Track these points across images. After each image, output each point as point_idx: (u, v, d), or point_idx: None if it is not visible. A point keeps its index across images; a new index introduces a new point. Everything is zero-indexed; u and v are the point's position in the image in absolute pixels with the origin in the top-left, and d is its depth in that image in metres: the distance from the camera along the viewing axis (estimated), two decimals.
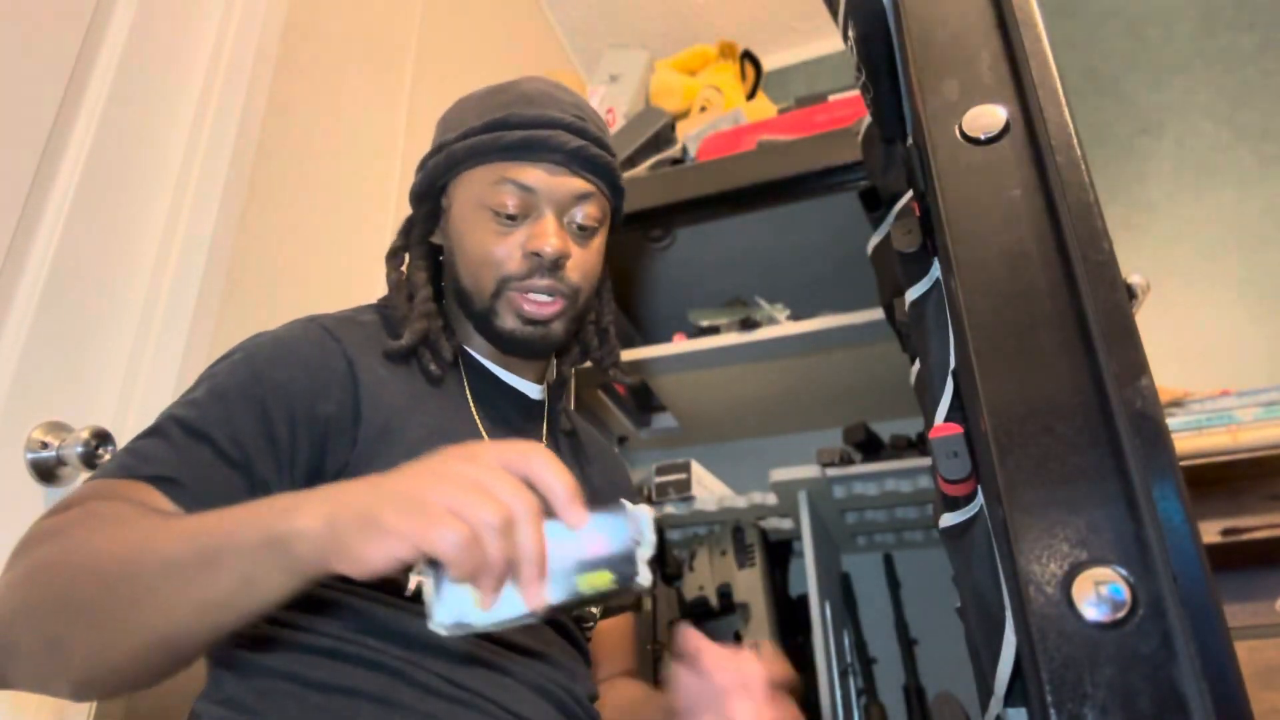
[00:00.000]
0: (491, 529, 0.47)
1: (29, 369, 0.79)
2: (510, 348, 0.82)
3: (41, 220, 0.83)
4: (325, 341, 0.74)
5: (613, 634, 0.95)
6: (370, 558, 0.46)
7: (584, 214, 0.81)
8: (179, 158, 1.00)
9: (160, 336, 0.90)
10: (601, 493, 0.91)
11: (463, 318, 0.85)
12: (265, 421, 0.67)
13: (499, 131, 0.79)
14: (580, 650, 0.81)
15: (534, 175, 0.78)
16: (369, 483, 0.50)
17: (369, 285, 0.96)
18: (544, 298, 0.78)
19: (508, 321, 0.79)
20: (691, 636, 0.72)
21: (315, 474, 0.69)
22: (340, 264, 0.94)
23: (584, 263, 0.81)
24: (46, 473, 0.78)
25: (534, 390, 0.88)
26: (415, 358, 0.80)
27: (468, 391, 0.82)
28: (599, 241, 0.84)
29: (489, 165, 0.79)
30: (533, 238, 0.78)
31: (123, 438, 0.84)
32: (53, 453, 0.78)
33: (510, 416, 0.84)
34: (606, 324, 0.92)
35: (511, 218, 0.78)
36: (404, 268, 0.86)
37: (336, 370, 0.72)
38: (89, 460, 0.79)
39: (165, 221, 0.96)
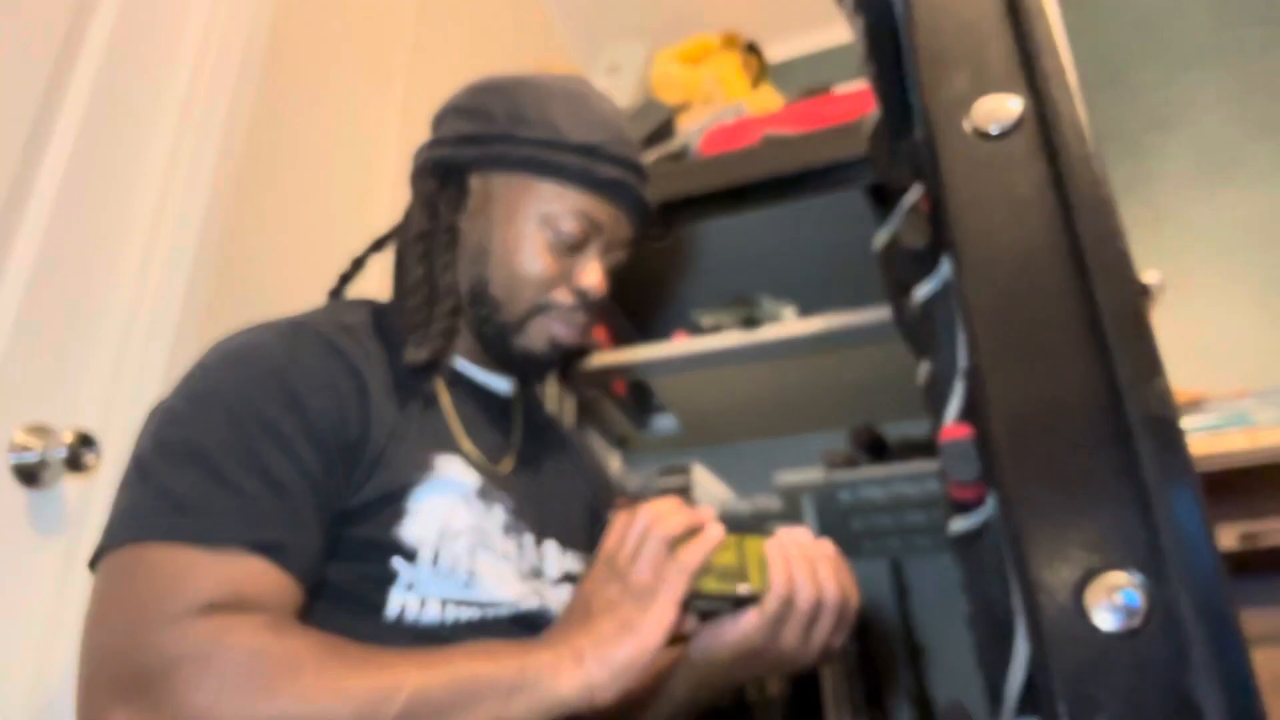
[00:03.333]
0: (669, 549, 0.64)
1: (11, 369, 0.78)
2: (515, 364, 0.82)
3: (24, 217, 0.82)
4: (337, 358, 0.70)
5: None
6: (644, 654, 0.59)
7: (619, 256, 0.84)
8: (165, 154, 0.99)
9: (146, 336, 0.89)
10: (571, 513, 0.90)
11: (469, 310, 0.82)
12: (323, 456, 0.64)
13: (595, 161, 0.78)
14: None
15: (607, 215, 0.80)
16: (587, 618, 0.63)
17: (359, 284, 0.94)
18: (576, 330, 0.81)
19: (535, 343, 0.80)
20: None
21: (339, 503, 0.67)
22: (330, 263, 0.93)
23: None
24: (29, 475, 0.77)
25: (505, 386, 0.87)
26: (386, 343, 0.77)
27: (442, 393, 0.79)
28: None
29: (568, 188, 0.78)
30: (585, 274, 0.79)
31: (108, 440, 0.83)
32: (36, 455, 0.77)
33: (483, 415, 0.83)
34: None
35: (572, 247, 0.79)
36: (425, 257, 0.80)
37: (350, 390, 0.69)
38: (73, 463, 0.78)
39: (151, 219, 0.95)
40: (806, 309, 1.67)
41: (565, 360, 0.85)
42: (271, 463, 0.61)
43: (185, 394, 0.66)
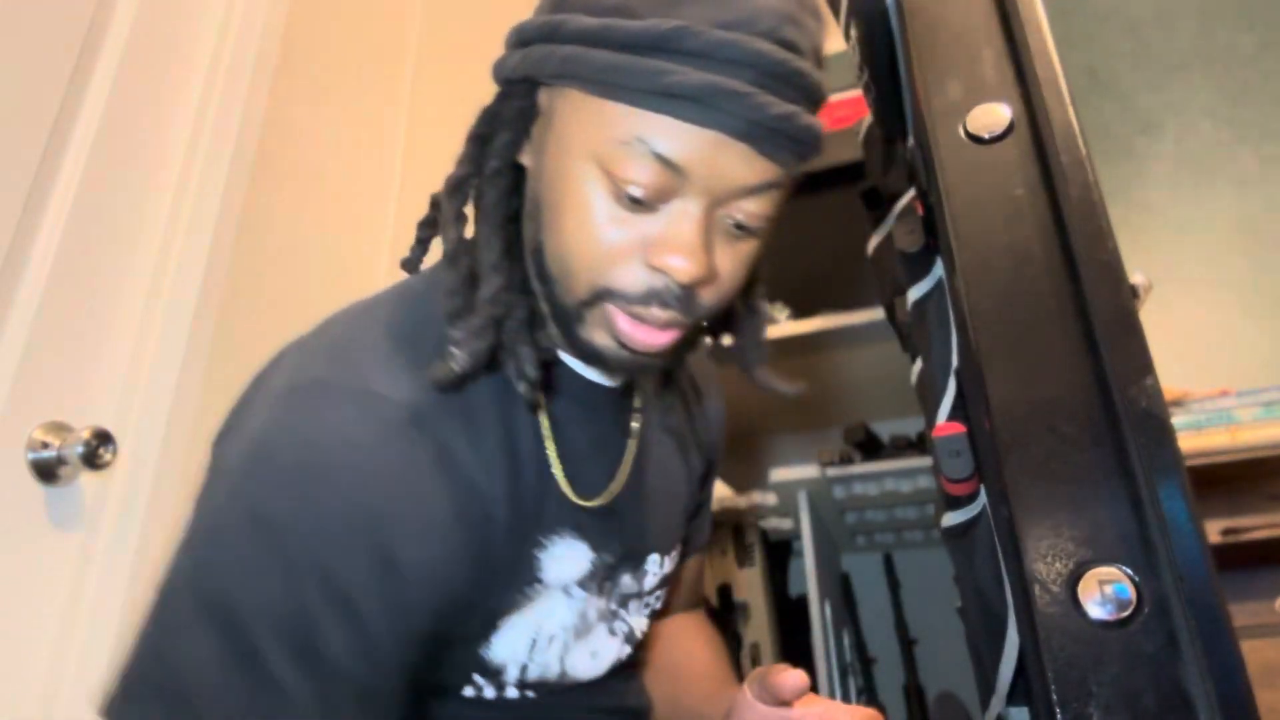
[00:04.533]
0: None
1: (30, 368, 0.79)
2: (595, 363, 0.57)
3: (43, 220, 0.83)
4: (442, 464, 0.50)
5: (684, 573, 0.82)
6: None
7: (749, 211, 0.52)
8: (180, 157, 1.00)
9: (162, 336, 0.90)
10: (676, 510, 0.74)
11: (536, 285, 0.56)
12: (400, 623, 0.47)
13: (661, 58, 0.46)
14: (634, 665, 0.72)
15: (692, 146, 0.48)
16: None
17: (370, 286, 0.95)
18: (655, 327, 0.52)
19: (596, 338, 0.54)
20: (793, 678, 0.59)
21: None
22: (341, 264, 0.94)
23: (727, 279, 0.53)
24: (47, 472, 0.78)
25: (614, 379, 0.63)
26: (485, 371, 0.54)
27: (540, 412, 0.58)
28: (757, 242, 0.55)
29: (634, 107, 0.48)
30: (664, 243, 0.49)
31: (124, 437, 0.83)
32: (53, 452, 0.78)
33: (591, 425, 0.62)
34: (757, 302, 0.63)
35: (639, 202, 0.49)
36: (463, 226, 0.56)
37: (459, 515, 0.51)
38: (90, 460, 0.79)
39: (167, 221, 0.96)
40: (801, 310, 1.68)
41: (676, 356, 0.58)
42: (329, 644, 0.44)
43: (244, 515, 0.47)
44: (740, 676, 1.60)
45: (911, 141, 0.75)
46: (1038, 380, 0.49)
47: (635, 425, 0.67)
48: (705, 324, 0.61)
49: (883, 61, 0.75)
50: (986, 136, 0.57)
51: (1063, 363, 0.49)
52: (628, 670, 0.69)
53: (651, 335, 0.52)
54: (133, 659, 0.46)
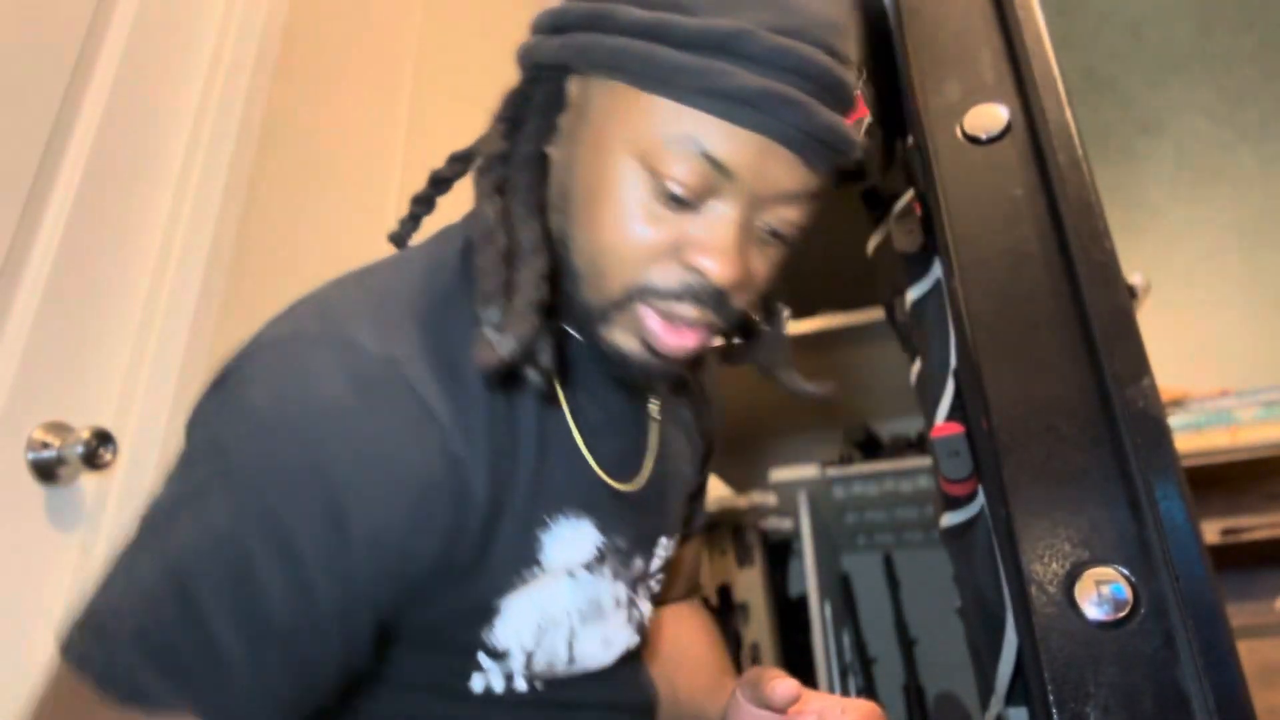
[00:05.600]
0: None
1: (30, 368, 0.79)
2: (617, 369, 0.55)
3: (43, 219, 0.83)
4: (423, 429, 0.48)
5: (680, 559, 0.80)
6: None
7: (786, 219, 0.52)
8: (180, 157, 1.00)
9: (162, 336, 0.90)
10: (683, 492, 0.73)
11: (560, 277, 0.54)
12: (348, 594, 0.46)
13: (721, 60, 0.47)
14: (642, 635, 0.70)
15: (741, 150, 0.48)
16: None
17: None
18: (685, 327, 0.51)
19: (621, 340, 0.52)
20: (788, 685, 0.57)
21: (383, 614, 0.50)
22: (341, 264, 0.94)
23: (757, 281, 0.53)
24: (47, 472, 0.78)
25: None
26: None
27: (561, 393, 0.57)
28: (786, 251, 0.55)
29: (684, 105, 0.48)
30: (703, 245, 0.49)
31: (124, 437, 0.83)
32: (54, 452, 0.78)
33: (613, 406, 0.61)
34: (777, 305, 0.64)
35: (679, 201, 0.49)
36: (501, 202, 0.53)
37: (440, 487, 0.48)
38: (90, 460, 0.79)
39: (167, 221, 0.96)
40: (801, 311, 1.68)
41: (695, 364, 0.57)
42: (267, 594, 0.43)
43: (206, 451, 0.48)
44: (739, 672, 1.58)
45: (911, 141, 0.75)
46: (1035, 381, 0.49)
47: (654, 407, 0.66)
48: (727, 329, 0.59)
49: (881, 60, 0.75)
50: (984, 137, 0.57)
51: (1060, 363, 0.49)
52: (636, 659, 0.67)
53: (681, 337, 0.51)
54: (99, 592, 0.46)
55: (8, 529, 0.75)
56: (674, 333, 0.51)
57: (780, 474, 1.56)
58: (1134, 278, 0.56)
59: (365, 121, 1.36)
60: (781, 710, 0.57)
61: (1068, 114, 0.55)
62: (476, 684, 0.55)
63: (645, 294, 0.50)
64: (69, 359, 0.83)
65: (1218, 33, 1.98)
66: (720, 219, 0.49)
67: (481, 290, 0.50)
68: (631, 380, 0.58)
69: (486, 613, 0.53)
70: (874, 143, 0.95)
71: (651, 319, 0.51)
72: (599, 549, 0.58)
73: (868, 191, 0.99)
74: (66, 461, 0.79)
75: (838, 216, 1.65)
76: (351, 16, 1.38)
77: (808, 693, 0.57)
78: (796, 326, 1.60)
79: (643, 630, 0.65)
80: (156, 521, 0.46)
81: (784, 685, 0.55)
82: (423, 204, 0.62)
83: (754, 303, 0.55)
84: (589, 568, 0.58)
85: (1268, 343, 1.70)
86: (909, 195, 0.82)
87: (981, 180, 0.57)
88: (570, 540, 0.56)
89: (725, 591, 1.68)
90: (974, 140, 0.58)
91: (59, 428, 0.79)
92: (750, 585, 1.66)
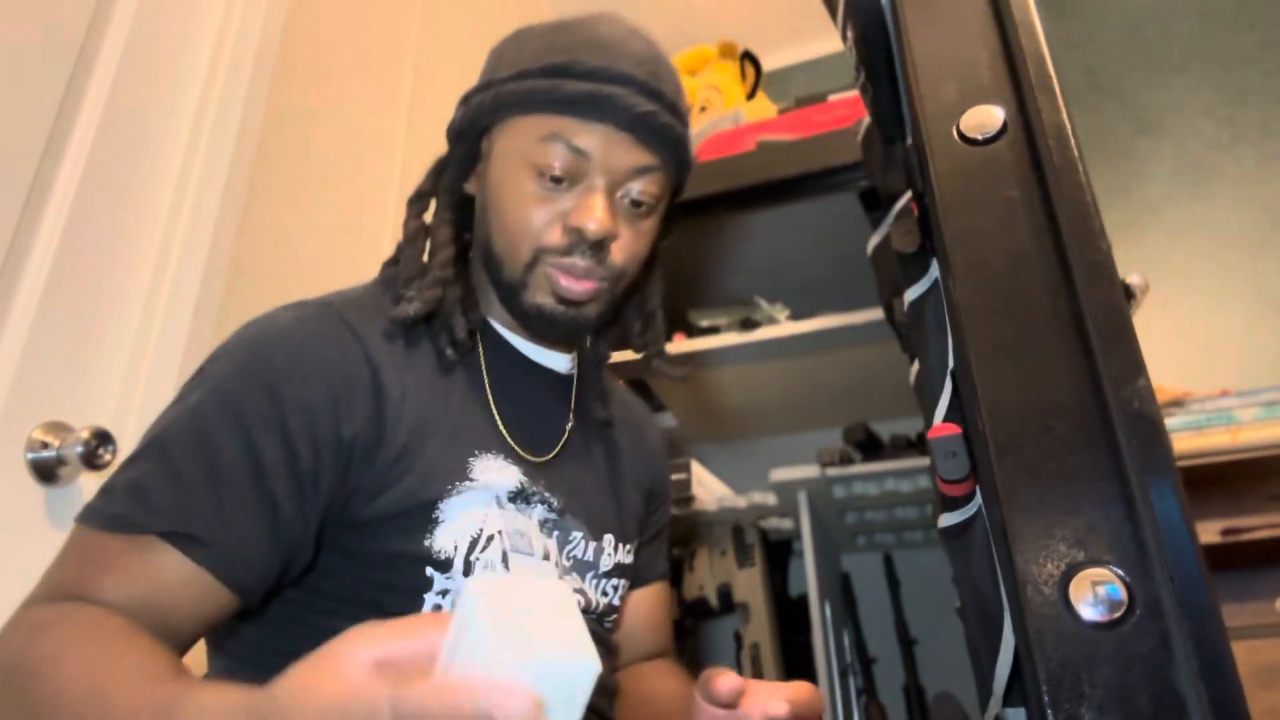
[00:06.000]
0: None
1: (30, 368, 0.79)
2: (538, 326, 0.74)
3: (42, 220, 0.83)
4: (346, 341, 0.65)
5: (642, 608, 0.87)
6: None
7: (641, 189, 0.71)
8: (180, 157, 1.00)
9: (161, 336, 0.90)
10: (626, 503, 0.84)
11: (487, 283, 0.76)
12: (289, 449, 0.60)
13: (558, 79, 0.68)
14: (605, 646, 0.77)
15: (590, 138, 0.68)
16: (310, 688, 0.39)
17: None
18: (580, 276, 0.70)
19: (538, 297, 0.71)
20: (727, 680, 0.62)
21: (332, 502, 0.63)
22: (340, 264, 0.94)
23: (631, 244, 0.72)
24: (47, 473, 0.79)
25: (562, 364, 0.81)
26: (427, 328, 0.72)
27: (485, 373, 0.74)
28: (653, 222, 0.75)
29: (541, 116, 0.69)
30: (578, 211, 0.69)
31: (124, 438, 0.84)
32: (53, 452, 0.79)
33: (533, 398, 0.77)
34: (653, 308, 0.83)
35: (557, 180, 0.69)
36: (427, 216, 0.77)
37: (359, 380, 0.64)
38: (89, 460, 0.80)
39: (166, 221, 0.97)
40: (801, 311, 1.68)
41: (601, 320, 0.75)
42: (223, 450, 0.58)
43: (190, 378, 0.65)
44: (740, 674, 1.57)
45: (909, 142, 0.75)
46: (1031, 381, 0.49)
47: (572, 401, 0.81)
48: (616, 310, 0.79)
49: (880, 62, 0.75)
50: (980, 138, 0.57)
51: (1056, 364, 0.49)
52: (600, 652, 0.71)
53: (580, 284, 0.70)
54: (153, 455, 0.60)
55: (8, 529, 0.76)
56: (574, 280, 0.69)
57: (780, 474, 1.56)
58: (1132, 277, 0.56)
59: (365, 122, 1.36)
60: (729, 705, 0.61)
61: (1064, 115, 0.55)
62: (428, 604, 0.63)
63: (545, 253, 0.69)
64: (68, 359, 0.84)
65: (1218, 33, 1.98)
66: (588, 190, 0.69)
67: (403, 275, 0.72)
68: (556, 334, 0.76)
69: (428, 521, 0.65)
70: (872, 142, 0.95)
71: (554, 273, 0.69)
72: (521, 484, 0.70)
73: (866, 192, 0.99)
74: (66, 461, 0.79)
75: (838, 217, 1.66)
76: (351, 16, 1.38)
77: (751, 684, 0.63)
78: (796, 326, 1.60)
79: (586, 610, 0.72)
80: (156, 426, 0.62)
81: (726, 681, 0.60)
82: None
83: (633, 261, 0.73)
84: (514, 500, 0.70)
85: (1268, 343, 1.70)
86: (907, 196, 0.82)
87: (978, 181, 0.57)
88: (496, 469, 0.69)
89: (725, 591, 1.68)
90: (970, 141, 0.58)
91: (58, 428, 0.80)
92: (750, 585, 1.66)
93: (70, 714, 0.47)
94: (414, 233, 0.75)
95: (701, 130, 1.70)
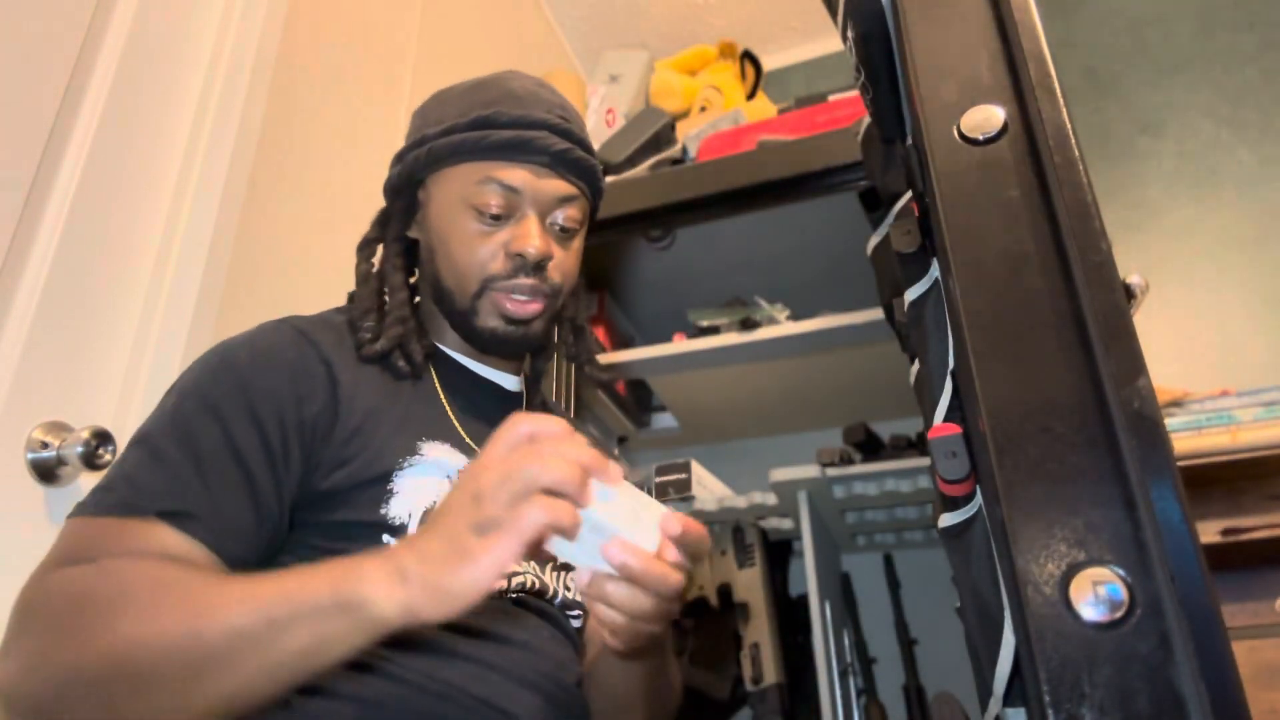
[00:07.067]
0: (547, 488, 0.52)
1: (29, 368, 0.79)
2: (490, 347, 0.83)
3: (42, 220, 0.83)
4: (302, 343, 0.74)
5: None
6: (475, 585, 0.50)
7: (566, 216, 0.82)
8: (179, 158, 1.00)
9: (160, 336, 0.90)
10: None
11: (437, 314, 0.85)
12: (260, 431, 0.67)
13: (485, 130, 0.79)
14: (569, 638, 0.81)
15: (519, 176, 0.79)
16: (424, 535, 0.54)
17: None
18: (526, 298, 0.79)
19: (490, 321, 0.80)
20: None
21: (304, 480, 0.69)
22: (340, 264, 0.94)
23: (564, 263, 0.82)
24: (47, 473, 0.79)
25: (510, 382, 0.89)
26: (386, 359, 0.80)
27: (438, 386, 0.83)
28: (578, 243, 0.86)
29: (473, 164, 0.80)
30: (516, 239, 0.79)
31: (123, 437, 0.84)
32: (53, 452, 0.79)
33: (485, 409, 0.85)
34: (581, 322, 0.94)
35: (496, 218, 0.79)
36: (376, 260, 0.87)
37: (316, 372, 0.73)
38: (89, 460, 0.80)
39: (165, 221, 0.97)
40: (801, 311, 1.68)
41: (545, 336, 0.85)
42: (202, 438, 0.65)
43: (164, 394, 0.72)
44: (740, 679, 1.55)
45: (909, 142, 0.75)
46: (1031, 381, 0.49)
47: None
48: (557, 327, 0.91)
49: (880, 62, 0.75)
50: (980, 138, 0.57)
51: (1056, 364, 0.49)
52: (559, 639, 0.78)
53: (526, 306, 0.80)
54: (141, 451, 0.66)
55: (8, 529, 0.76)
56: (520, 304, 0.79)
57: (780, 474, 1.56)
58: (1132, 278, 0.56)
59: (364, 122, 1.36)
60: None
61: (1064, 115, 0.55)
62: None
63: (492, 282, 0.79)
64: (68, 359, 0.83)
65: (1218, 33, 1.98)
66: (523, 221, 0.80)
67: (357, 311, 0.81)
68: (507, 352, 0.85)
69: (384, 492, 0.71)
70: (872, 142, 0.95)
71: (500, 298, 0.79)
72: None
73: (866, 192, 0.99)
74: (66, 461, 0.79)
75: (838, 217, 1.65)
76: (351, 16, 1.38)
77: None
78: (797, 326, 1.60)
79: (535, 593, 0.77)
80: (142, 429, 0.68)
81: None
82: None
83: (569, 278, 0.83)
84: None
85: (1268, 343, 1.70)
86: (907, 196, 0.82)
87: (978, 180, 0.57)
88: (445, 450, 0.76)
89: (725, 591, 1.68)
90: (971, 141, 0.58)
91: (58, 428, 0.80)
92: (750, 585, 1.66)
93: (205, 604, 0.53)
94: (365, 275, 0.85)
95: (701, 130, 1.70)
